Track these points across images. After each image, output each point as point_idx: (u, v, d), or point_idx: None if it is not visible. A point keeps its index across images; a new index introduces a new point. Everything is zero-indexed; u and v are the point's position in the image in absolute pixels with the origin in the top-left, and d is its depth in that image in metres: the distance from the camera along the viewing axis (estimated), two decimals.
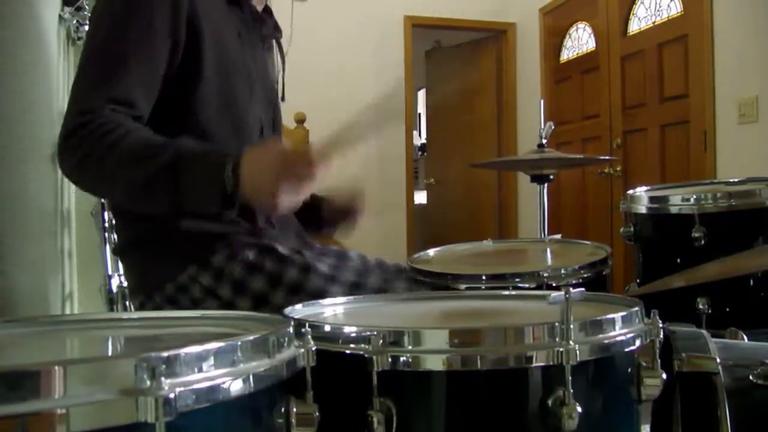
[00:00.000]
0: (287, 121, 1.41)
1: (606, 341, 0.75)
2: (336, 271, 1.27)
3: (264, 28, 1.43)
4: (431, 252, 1.64)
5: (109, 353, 0.76)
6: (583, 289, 0.74)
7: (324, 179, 1.08)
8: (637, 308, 0.82)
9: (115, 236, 1.57)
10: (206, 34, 1.22)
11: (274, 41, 1.51)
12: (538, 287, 1.26)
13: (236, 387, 0.57)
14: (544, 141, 2.55)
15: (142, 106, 1.17)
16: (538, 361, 0.71)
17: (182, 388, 0.52)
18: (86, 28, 1.56)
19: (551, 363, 0.71)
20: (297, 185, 1.06)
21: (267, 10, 1.45)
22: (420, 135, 8.82)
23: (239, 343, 0.60)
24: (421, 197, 6.89)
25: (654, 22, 4.19)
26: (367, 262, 1.43)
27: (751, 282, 1.45)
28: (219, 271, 1.23)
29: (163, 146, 1.09)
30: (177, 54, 1.19)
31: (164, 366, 0.52)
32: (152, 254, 1.26)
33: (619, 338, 0.76)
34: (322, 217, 1.52)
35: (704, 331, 1.03)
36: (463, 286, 1.31)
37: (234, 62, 1.30)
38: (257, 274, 1.23)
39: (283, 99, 1.49)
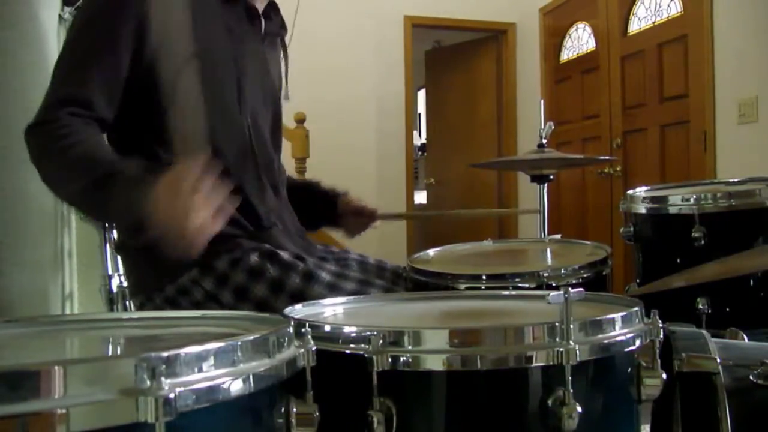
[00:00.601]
0: (287, 120, 1.40)
1: (606, 341, 0.75)
2: (338, 279, 1.27)
3: (267, 25, 1.41)
4: (431, 252, 1.64)
5: (109, 353, 0.76)
6: (582, 289, 0.74)
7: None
8: (637, 308, 0.82)
9: (116, 234, 1.57)
10: None
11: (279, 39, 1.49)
12: (538, 287, 1.26)
13: (236, 387, 0.57)
14: (544, 141, 2.54)
15: (101, 107, 1.19)
16: (538, 361, 0.71)
17: (182, 388, 0.52)
18: None
19: (551, 363, 0.71)
20: (191, 201, 0.97)
21: (273, 6, 1.44)
22: (420, 135, 8.83)
23: (239, 343, 0.60)
24: (421, 197, 6.90)
25: (654, 22, 4.19)
26: (367, 267, 1.43)
27: (751, 282, 1.45)
28: (222, 276, 1.23)
29: (97, 165, 1.11)
30: (144, 54, 1.19)
31: (164, 366, 0.52)
32: (153, 254, 1.26)
33: (619, 338, 0.76)
34: (336, 211, 1.55)
35: (704, 331, 1.02)
36: (463, 286, 1.31)
37: (220, 59, 1.29)
38: (259, 281, 1.23)
39: (287, 98, 1.48)
